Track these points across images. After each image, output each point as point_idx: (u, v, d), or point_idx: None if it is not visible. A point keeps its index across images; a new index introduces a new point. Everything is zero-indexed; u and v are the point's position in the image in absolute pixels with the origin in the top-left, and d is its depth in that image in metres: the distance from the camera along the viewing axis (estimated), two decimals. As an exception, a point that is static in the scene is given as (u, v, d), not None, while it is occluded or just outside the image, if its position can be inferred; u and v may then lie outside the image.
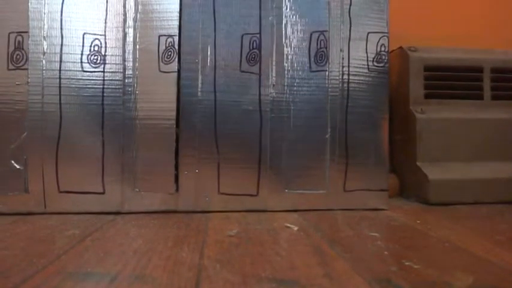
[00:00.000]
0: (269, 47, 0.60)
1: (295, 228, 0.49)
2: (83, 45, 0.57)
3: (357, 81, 0.62)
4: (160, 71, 0.58)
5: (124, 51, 0.58)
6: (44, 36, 0.57)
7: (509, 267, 0.35)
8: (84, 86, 0.57)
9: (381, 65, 0.62)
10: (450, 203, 0.67)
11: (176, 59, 0.58)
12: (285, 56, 0.60)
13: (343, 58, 0.62)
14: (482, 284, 0.31)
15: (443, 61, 0.74)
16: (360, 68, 0.62)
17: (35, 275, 0.31)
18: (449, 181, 0.68)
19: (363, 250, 0.41)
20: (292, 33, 0.61)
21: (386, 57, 0.62)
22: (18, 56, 0.56)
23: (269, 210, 0.59)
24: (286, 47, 0.60)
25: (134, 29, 0.58)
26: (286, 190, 0.60)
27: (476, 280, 0.31)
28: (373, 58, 0.62)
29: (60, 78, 0.57)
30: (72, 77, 0.57)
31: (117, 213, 0.56)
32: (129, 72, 0.58)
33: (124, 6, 0.58)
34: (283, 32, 0.60)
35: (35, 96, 0.56)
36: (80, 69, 0.57)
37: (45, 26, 0.57)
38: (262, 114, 0.60)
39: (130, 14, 0.58)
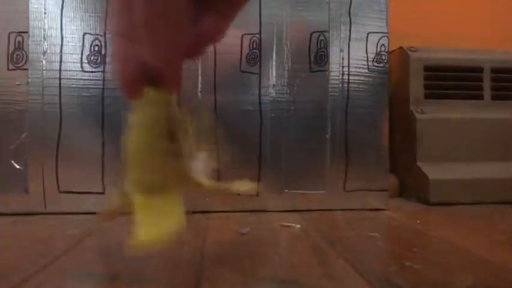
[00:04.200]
0: (269, 47, 0.60)
1: (296, 227, 0.49)
2: (83, 45, 0.57)
3: (357, 81, 0.62)
4: (160, 71, 0.58)
5: (124, 51, 0.58)
6: (44, 36, 0.57)
7: (510, 267, 0.35)
8: (84, 86, 0.57)
9: (381, 65, 0.62)
10: (450, 203, 0.67)
11: (176, 59, 0.58)
12: (285, 56, 0.60)
13: (343, 58, 0.62)
14: (482, 284, 0.31)
15: (443, 61, 0.74)
16: (360, 68, 0.62)
17: (35, 275, 0.31)
18: (449, 181, 0.68)
19: (363, 250, 0.41)
20: (292, 33, 0.61)
21: (386, 58, 0.62)
22: (18, 56, 0.56)
23: (269, 210, 0.59)
24: (286, 47, 0.60)
25: (134, 29, 0.58)
26: (286, 190, 0.60)
27: (476, 280, 0.31)
28: (373, 58, 0.62)
29: (60, 78, 0.57)
30: (72, 77, 0.57)
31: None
32: (129, 72, 0.58)
33: (124, 6, 0.58)
34: (284, 32, 0.60)
35: (35, 96, 0.56)
36: (80, 69, 0.57)
37: (45, 26, 0.57)
38: (262, 114, 0.60)
39: (131, 14, 0.58)
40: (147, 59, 0.23)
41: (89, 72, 0.57)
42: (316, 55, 0.61)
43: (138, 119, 0.27)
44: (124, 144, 0.28)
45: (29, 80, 0.56)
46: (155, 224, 0.27)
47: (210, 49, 0.59)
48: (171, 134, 0.28)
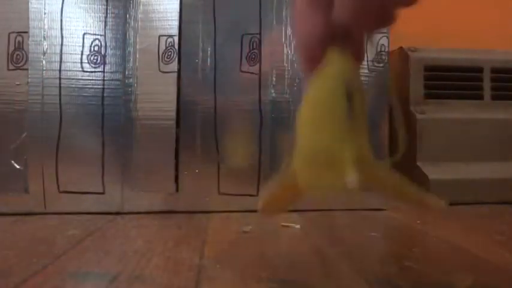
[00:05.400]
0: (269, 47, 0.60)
1: (296, 227, 0.49)
2: (83, 45, 0.57)
3: (357, 81, 0.62)
4: (161, 71, 0.58)
5: (124, 51, 0.58)
6: (44, 36, 0.57)
7: (510, 267, 0.35)
8: (84, 86, 0.57)
9: (381, 65, 0.62)
10: (450, 203, 0.66)
11: (176, 59, 0.58)
12: (285, 56, 0.60)
13: (343, 58, 0.62)
14: (482, 284, 0.31)
15: (443, 61, 0.74)
16: (360, 68, 0.62)
17: (35, 275, 0.31)
18: (449, 181, 0.68)
19: (363, 250, 0.41)
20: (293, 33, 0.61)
21: (386, 58, 0.62)
22: (18, 56, 0.56)
23: (269, 210, 0.59)
24: (286, 47, 0.60)
25: (134, 29, 0.58)
26: (286, 190, 0.60)
27: (476, 280, 0.31)
28: (373, 58, 0.62)
29: (60, 78, 0.57)
30: (72, 77, 0.57)
31: (117, 213, 0.56)
32: (129, 72, 0.58)
33: (124, 7, 0.58)
34: (283, 32, 0.60)
35: (35, 96, 0.56)
36: (80, 69, 0.57)
37: (45, 26, 0.57)
38: (262, 115, 0.60)
39: (131, 14, 0.58)
40: (339, 19, 0.23)
41: (89, 72, 0.57)
42: (316, 55, 0.61)
43: (315, 93, 0.26)
44: (298, 119, 0.26)
45: (29, 80, 0.56)
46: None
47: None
48: (349, 108, 0.26)
